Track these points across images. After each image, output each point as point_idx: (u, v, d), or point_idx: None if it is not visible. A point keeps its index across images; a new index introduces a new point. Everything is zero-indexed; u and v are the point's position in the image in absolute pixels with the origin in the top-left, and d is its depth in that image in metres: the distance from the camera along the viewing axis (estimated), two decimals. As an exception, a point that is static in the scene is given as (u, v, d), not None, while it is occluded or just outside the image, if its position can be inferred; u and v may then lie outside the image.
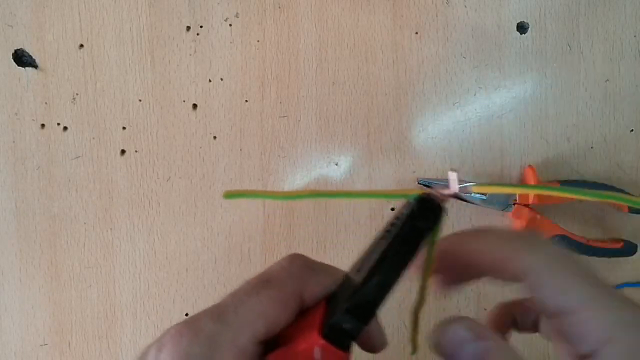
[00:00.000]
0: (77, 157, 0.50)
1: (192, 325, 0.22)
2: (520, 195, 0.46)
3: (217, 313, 0.22)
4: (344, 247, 0.49)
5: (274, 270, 0.24)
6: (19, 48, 0.49)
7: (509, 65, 0.48)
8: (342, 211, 0.49)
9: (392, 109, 0.49)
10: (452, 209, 0.48)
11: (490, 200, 0.47)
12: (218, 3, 0.48)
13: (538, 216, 0.46)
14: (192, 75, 0.49)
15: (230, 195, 0.24)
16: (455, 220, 0.48)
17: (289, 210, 0.49)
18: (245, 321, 0.22)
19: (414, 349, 0.28)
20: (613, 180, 0.48)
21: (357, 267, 0.24)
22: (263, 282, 0.23)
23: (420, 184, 0.48)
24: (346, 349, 0.22)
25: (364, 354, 0.27)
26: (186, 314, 0.50)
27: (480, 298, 0.49)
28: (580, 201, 0.48)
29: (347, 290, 0.23)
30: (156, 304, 0.50)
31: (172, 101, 0.49)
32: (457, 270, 0.26)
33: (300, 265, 0.24)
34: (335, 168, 0.49)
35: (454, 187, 0.24)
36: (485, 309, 0.49)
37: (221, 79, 0.49)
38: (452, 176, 0.24)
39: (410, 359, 0.50)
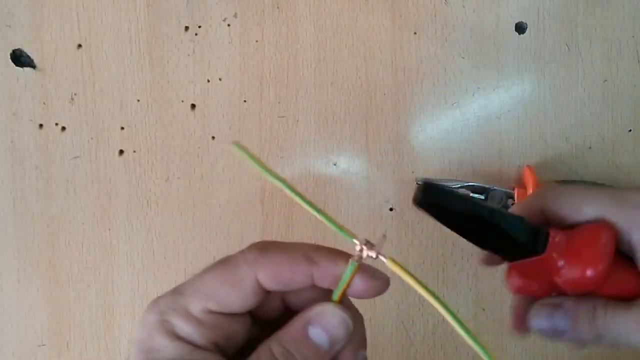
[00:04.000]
0: (75, 158, 0.49)
1: (156, 301, 0.26)
2: (518, 196, 0.46)
3: (176, 287, 0.26)
4: (343, 248, 0.49)
5: (233, 254, 0.26)
6: (17, 48, 0.49)
7: (507, 65, 0.48)
8: (341, 211, 0.49)
9: (391, 109, 0.49)
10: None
11: (490, 200, 0.47)
12: (216, 3, 0.48)
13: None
14: (190, 76, 0.49)
15: (238, 146, 0.25)
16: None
17: (287, 210, 0.49)
18: (196, 292, 0.25)
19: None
20: (611, 180, 0.48)
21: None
22: (219, 262, 0.26)
23: (419, 183, 0.48)
24: None
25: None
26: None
27: (480, 298, 0.49)
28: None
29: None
30: (155, 304, 0.50)
31: (170, 101, 0.49)
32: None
33: (255, 251, 0.26)
34: (333, 168, 0.49)
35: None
36: (483, 309, 0.49)
37: (220, 79, 0.49)
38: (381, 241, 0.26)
39: (410, 359, 0.50)
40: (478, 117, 0.49)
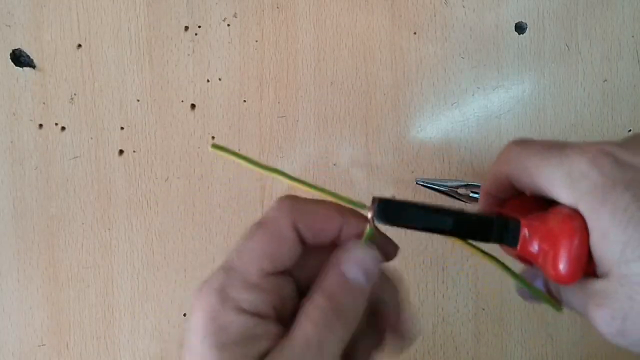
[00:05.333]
0: (75, 158, 0.49)
1: (208, 284, 0.25)
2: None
3: (224, 266, 0.26)
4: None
5: (265, 214, 0.27)
6: (16, 48, 0.49)
7: (507, 65, 0.48)
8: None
9: (391, 109, 0.49)
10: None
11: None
12: (216, 3, 0.48)
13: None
14: (190, 75, 0.49)
15: (216, 147, 0.26)
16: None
17: (287, 210, 0.49)
18: (248, 260, 0.25)
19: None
20: (611, 180, 0.48)
21: None
22: (257, 225, 0.26)
23: (419, 183, 0.48)
24: None
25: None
26: (184, 314, 0.50)
27: (480, 298, 0.49)
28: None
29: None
30: (154, 304, 0.50)
31: (170, 101, 0.49)
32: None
33: (288, 203, 0.27)
34: (333, 168, 0.49)
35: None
36: (483, 309, 0.49)
37: (219, 79, 0.49)
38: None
39: (410, 359, 0.50)
40: (478, 117, 0.49)
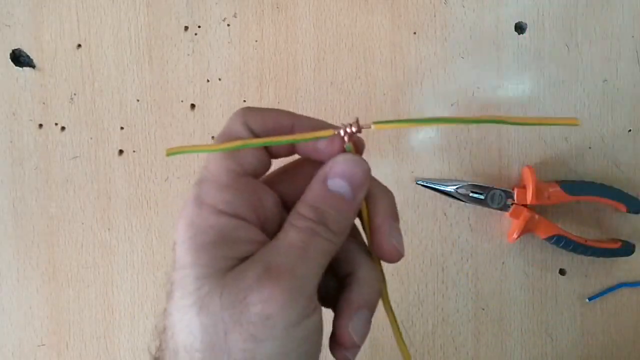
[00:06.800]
0: (75, 157, 0.49)
1: (186, 199, 0.26)
2: (518, 196, 0.46)
3: (196, 182, 0.26)
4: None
5: (222, 128, 0.28)
6: (16, 48, 0.49)
7: (507, 65, 0.48)
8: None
9: (391, 109, 0.49)
10: (451, 208, 0.48)
11: (489, 200, 0.47)
12: (216, 3, 0.48)
13: (536, 216, 0.46)
14: (190, 75, 0.49)
15: (171, 152, 0.27)
16: (453, 221, 0.48)
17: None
18: (215, 167, 0.26)
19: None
20: (611, 180, 0.48)
21: None
22: (217, 137, 0.27)
23: (419, 183, 0.48)
24: None
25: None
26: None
27: (480, 298, 0.49)
28: (578, 202, 0.48)
29: None
30: (154, 304, 0.50)
31: (170, 101, 0.49)
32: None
33: (239, 110, 0.27)
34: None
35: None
36: (483, 309, 0.49)
37: (219, 79, 0.49)
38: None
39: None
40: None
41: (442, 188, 0.47)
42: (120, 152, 0.49)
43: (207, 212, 0.25)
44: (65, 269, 0.50)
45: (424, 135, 0.49)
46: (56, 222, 0.50)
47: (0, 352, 0.50)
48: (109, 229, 0.50)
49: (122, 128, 0.49)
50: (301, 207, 0.26)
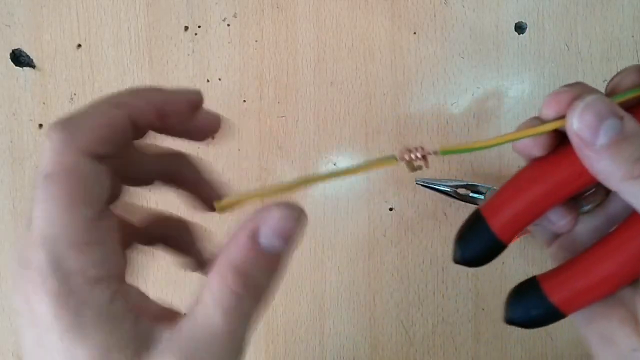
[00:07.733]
0: (75, 157, 0.49)
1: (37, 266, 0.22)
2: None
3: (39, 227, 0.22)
4: (342, 248, 0.49)
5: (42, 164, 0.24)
6: (16, 48, 0.49)
7: (506, 65, 0.48)
8: (341, 211, 0.49)
9: (391, 109, 0.49)
10: (451, 208, 0.48)
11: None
12: (216, 3, 0.48)
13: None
14: (190, 75, 0.49)
15: (224, 206, 0.24)
16: (453, 221, 0.48)
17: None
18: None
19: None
20: (611, 180, 0.48)
21: None
22: (43, 182, 0.23)
23: (419, 183, 0.48)
24: None
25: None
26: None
27: (480, 298, 0.49)
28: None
29: None
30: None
31: (170, 101, 0.49)
32: None
33: (61, 136, 0.22)
34: (333, 168, 0.49)
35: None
36: (483, 309, 0.49)
37: (219, 79, 0.49)
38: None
39: (410, 359, 0.50)
40: (478, 117, 0.49)
41: (442, 188, 0.47)
42: (120, 152, 0.49)
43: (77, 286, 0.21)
44: (65, 269, 0.50)
45: (424, 135, 0.49)
46: (56, 222, 0.50)
47: (1, 352, 0.50)
48: (109, 229, 0.50)
49: (122, 128, 0.49)
50: (225, 270, 0.22)
